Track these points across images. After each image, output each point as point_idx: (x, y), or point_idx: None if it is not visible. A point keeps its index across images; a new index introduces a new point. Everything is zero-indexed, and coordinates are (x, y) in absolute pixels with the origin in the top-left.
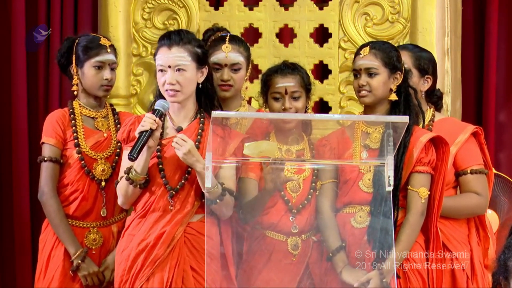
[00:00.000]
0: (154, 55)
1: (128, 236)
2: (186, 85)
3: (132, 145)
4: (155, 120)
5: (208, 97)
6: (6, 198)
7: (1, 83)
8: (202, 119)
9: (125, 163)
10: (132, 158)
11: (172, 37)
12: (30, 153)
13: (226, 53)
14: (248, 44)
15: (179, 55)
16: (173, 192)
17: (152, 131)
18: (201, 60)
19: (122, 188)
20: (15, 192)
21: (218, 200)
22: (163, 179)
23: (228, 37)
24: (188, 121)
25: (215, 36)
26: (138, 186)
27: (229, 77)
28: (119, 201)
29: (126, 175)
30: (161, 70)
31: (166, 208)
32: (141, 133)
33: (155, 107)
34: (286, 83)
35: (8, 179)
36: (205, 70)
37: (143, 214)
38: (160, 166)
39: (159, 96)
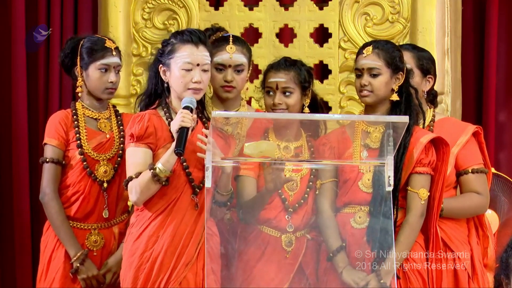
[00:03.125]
0: (172, 51)
1: (150, 238)
2: (206, 84)
3: (148, 141)
4: (192, 117)
5: (204, 98)
6: (6, 198)
7: (1, 83)
8: (200, 115)
9: (138, 159)
10: (181, 152)
11: (198, 36)
12: (30, 153)
13: (231, 54)
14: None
15: (206, 54)
16: (197, 190)
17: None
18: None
19: (142, 184)
20: (15, 193)
21: (228, 203)
22: (189, 177)
23: (231, 38)
24: None
25: (216, 36)
26: (163, 183)
27: (233, 78)
28: (135, 198)
29: (152, 171)
30: (187, 69)
31: (190, 206)
32: (181, 128)
33: (186, 104)
34: (277, 78)
35: (8, 179)
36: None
37: (166, 214)
38: (184, 163)
39: (156, 95)
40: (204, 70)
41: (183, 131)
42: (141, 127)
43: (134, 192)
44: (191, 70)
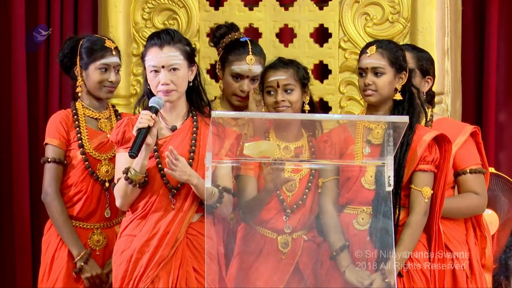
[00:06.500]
0: (143, 56)
1: (128, 237)
2: (180, 84)
3: (128, 146)
4: (151, 117)
5: (199, 96)
6: (6, 198)
7: (1, 83)
8: (195, 117)
9: (121, 165)
10: (133, 155)
11: (162, 37)
12: (30, 153)
13: (250, 66)
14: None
15: (172, 55)
16: (174, 191)
17: (149, 127)
18: (191, 58)
19: (121, 189)
20: (15, 193)
21: (217, 204)
22: (164, 178)
23: (250, 47)
24: (181, 120)
25: (231, 38)
26: (138, 185)
27: (249, 88)
28: (118, 203)
29: (125, 174)
30: (155, 71)
31: (168, 207)
32: (139, 130)
33: (150, 104)
34: (278, 76)
35: (8, 179)
36: (195, 68)
37: (143, 215)
38: (160, 165)
39: (149, 96)
40: (173, 69)
41: (139, 132)
42: (117, 133)
43: (117, 197)
44: (158, 72)
